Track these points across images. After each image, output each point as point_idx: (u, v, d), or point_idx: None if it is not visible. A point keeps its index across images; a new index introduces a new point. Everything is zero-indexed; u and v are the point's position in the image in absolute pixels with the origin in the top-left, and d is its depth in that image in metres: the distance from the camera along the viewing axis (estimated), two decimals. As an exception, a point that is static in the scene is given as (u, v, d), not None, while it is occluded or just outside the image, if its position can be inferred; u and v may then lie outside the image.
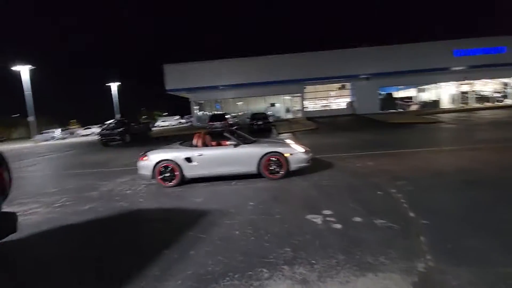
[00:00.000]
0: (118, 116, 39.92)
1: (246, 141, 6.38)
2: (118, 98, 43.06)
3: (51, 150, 19.59)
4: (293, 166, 6.05)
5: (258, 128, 18.66)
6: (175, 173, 6.06)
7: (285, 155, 6.01)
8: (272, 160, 6.04)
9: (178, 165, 6.04)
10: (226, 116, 20.23)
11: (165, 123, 46.57)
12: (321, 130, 17.52)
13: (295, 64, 26.43)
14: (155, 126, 44.54)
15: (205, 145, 6.65)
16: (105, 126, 21.01)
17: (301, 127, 20.20)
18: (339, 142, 11.45)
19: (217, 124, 19.50)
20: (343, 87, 31.54)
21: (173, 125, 44.12)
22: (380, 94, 28.67)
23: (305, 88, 28.89)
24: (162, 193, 5.75)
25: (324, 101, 30.82)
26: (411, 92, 30.78)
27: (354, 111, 28.38)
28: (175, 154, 6.09)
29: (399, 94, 30.79)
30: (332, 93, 30.76)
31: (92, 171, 9.38)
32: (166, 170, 6.08)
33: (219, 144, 7.19)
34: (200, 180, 6.34)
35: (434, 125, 16.02)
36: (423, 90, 29.94)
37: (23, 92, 26.99)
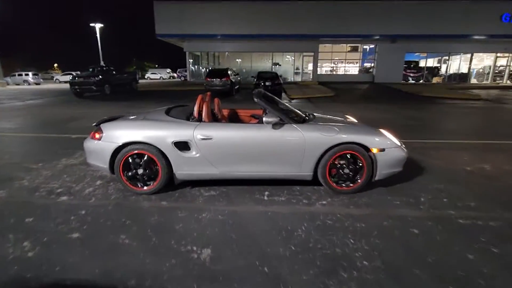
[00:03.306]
0: (102, 63, 35.42)
1: (295, 118, 3.39)
2: (104, 44, 38.04)
3: (12, 96, 16.01)
4: (382, 173, 3.19)
5: (266, 90, 15.35)
6: (157, 169, 3.14)
7: (372, 150, 3.12)
8: (344, 157, 3.15)
9: (163, 155, 3.09)
10: (228, 72, 16.68)
11: (156, 75, 42.13)
12: (342, 99, 14.44)
13: (310, 15, 22.08)
14: (145, 78, 40.35)
15: (214, 118, 3.69)
16: (79, 73, 17.25)
17: (316, 92, 17.03)
18: (381, 119, 8.52)
19: (217, 81, 16.06)
20: (355, 50, 27.59)
21: (164, 79, 39.97)
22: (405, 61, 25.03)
23: (322, 46, 24.90)
24: (127, 213, 2.85)
25: (340, 64, 27.04)
26: (432, 62, 27.32)
27: (372, 79, 25.02)
28: (158, 133, 3.10)
29: (421, 63, 27.33)
30: (348, 56, 26.93)
31: (36, 136, 6.32)
32: (138, 163, 3.13)
33: (236, 118, 4.27)
34: (201, 182, 3.46)
35: (477, 102, 13.14)
36: (446, 61, 26.39)
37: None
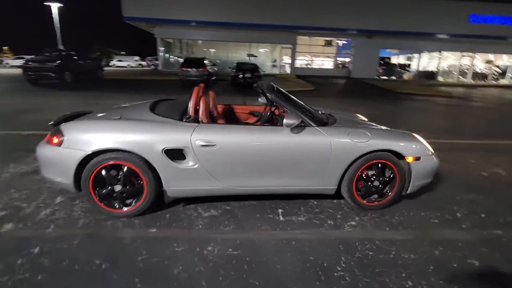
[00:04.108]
0: (61, 47, 32.13)
1: (315, 119, 2.77)
2: (62, 26, 34.50)
3: (-51, 82, 13.71)
4: (415, 185, 2.73)
5: (245, 82, 14.63)
6: (141, 185, 2.39)
7: (408, 159, 2.63)
8: (374, 167, 2.63)
9: (149, 167, 2.35)
10: (205, 62, 15.62)
11: (123, 63, 39.25)
12: (323, 93, 14.16)
13: (290, 5, 21.46)
14: (110, 66, 37.44)
15: (211, 118, 3.01)
16: (34, 57, 15.14)
17: (296, 86, 16.58)
18: (368, 115, 8.23)
19: (193, 71, 14.99)
20: (331, 44, 27.53)
21: (132, 67, 37.40)
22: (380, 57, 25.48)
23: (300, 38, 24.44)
24: (102, 249, 2.08)
25: (316, 58, 26.85)
26: (404, 59, 28.17)
27: (349, 74, 25.17)
28: (143, 138, 2.33)
29: (392, 60, 28.04)
30: (325, 50, 26.81)
31: (-24, 133, 5.12)
32: (114, 177, 2.36)
33: (233, 116, 3.60)
34: (196, 199, 2.77)
35: (452, 100, 13.50)
36: (415, 59, 27.26)
37: None
